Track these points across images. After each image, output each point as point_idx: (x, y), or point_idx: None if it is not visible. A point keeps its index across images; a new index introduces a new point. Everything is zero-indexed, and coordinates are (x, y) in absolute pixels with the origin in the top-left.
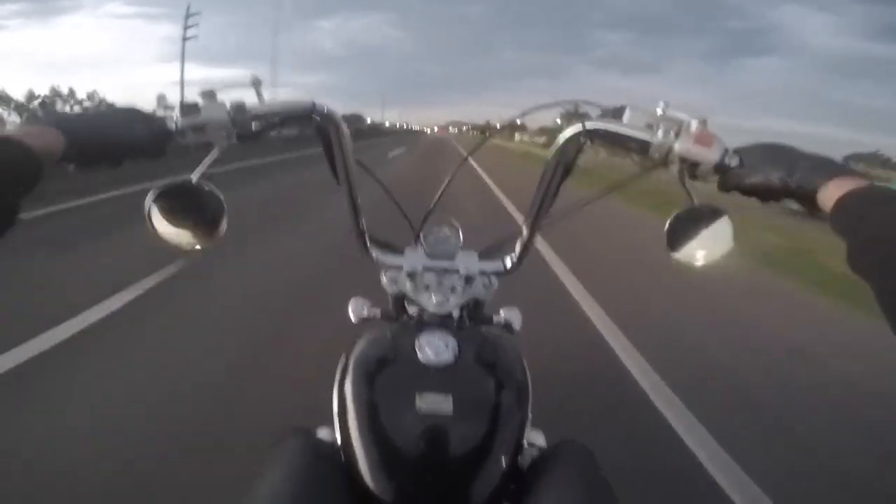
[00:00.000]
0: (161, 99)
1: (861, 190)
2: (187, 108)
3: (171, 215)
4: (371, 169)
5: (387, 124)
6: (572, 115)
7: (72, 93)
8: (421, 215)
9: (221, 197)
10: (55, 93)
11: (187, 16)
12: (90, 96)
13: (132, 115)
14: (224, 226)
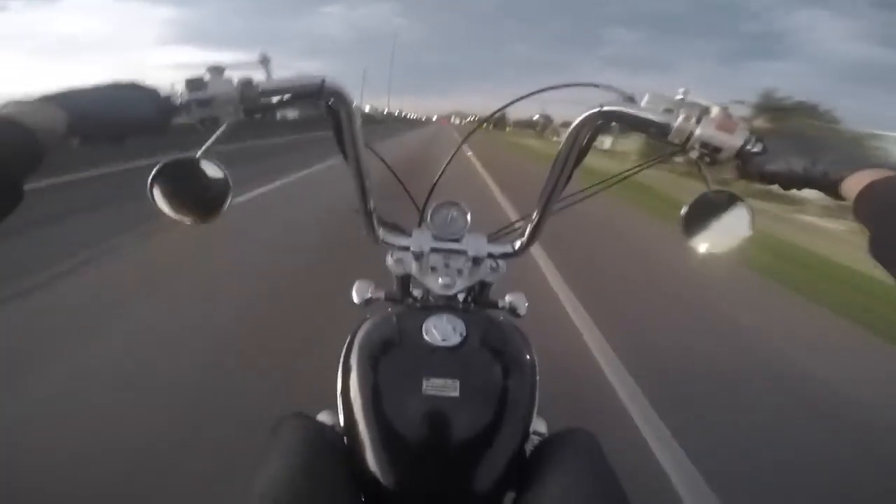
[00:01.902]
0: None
1: (885, 180)
2: (192, 83)
3: (175, 191)
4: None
5: (366, 109)
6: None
7: None
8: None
9: (227, 174)
10: None
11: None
12: None
13: (136, 89)
14: (228, 202)
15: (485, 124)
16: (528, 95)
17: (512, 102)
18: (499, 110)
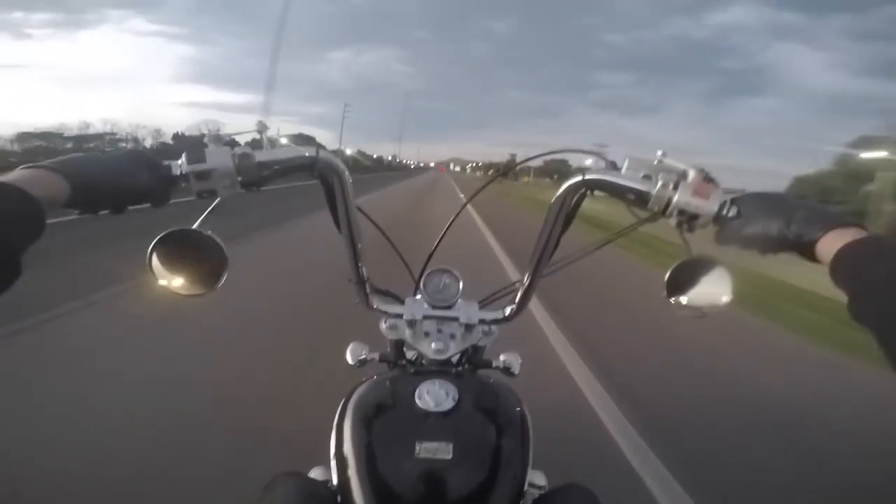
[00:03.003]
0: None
1: (859, 241)
2: (192, 154)
3: (172, 262)
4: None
5: (348, 152)
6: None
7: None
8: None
9: (223, 246)
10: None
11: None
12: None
13: (137, 159)
14: (225, 274)
15: (479, 171)
16: (525, 161)
17: (514, 166)
18: (497, 175)
